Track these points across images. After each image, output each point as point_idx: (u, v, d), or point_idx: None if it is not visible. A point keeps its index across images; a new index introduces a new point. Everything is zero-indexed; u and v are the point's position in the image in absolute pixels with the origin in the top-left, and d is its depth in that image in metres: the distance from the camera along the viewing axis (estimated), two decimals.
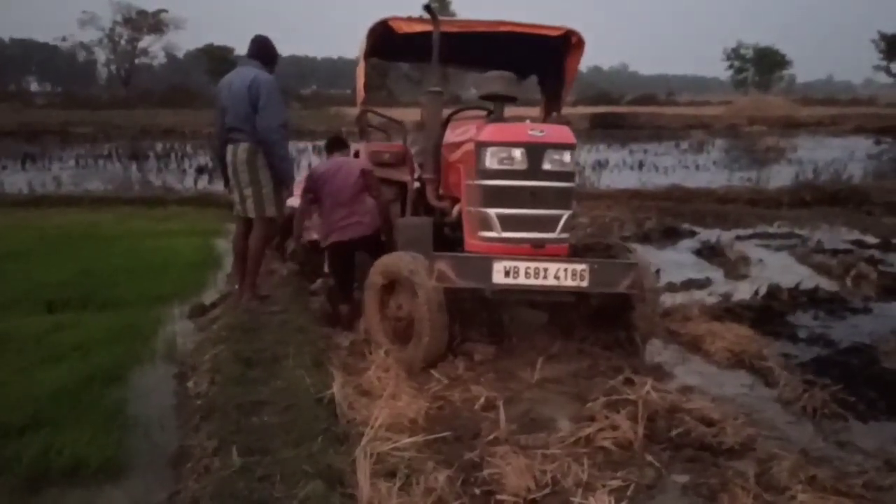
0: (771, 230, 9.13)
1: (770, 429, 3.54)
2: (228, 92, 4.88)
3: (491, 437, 3.33)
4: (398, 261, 4.34)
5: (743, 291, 5.95)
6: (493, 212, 4.28)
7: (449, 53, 5.02)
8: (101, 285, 5.88)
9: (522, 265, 4.04)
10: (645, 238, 8.42)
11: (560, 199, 4.33)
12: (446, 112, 5.08)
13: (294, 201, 5.92)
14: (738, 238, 8.46)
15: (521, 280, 4.04)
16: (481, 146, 4.30)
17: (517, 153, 4.23)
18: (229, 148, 4.91)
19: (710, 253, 7.57)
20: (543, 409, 3.77)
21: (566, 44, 5.56)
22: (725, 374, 4.38)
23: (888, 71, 65.61)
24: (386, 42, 5.54)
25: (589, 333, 4.72)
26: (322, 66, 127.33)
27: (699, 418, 3.51)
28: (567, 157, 4.31)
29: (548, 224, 4.33)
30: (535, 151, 4.24)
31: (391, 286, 4.45)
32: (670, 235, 8.72)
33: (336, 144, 5.62)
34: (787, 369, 4.23)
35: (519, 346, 4.62)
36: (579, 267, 4.10)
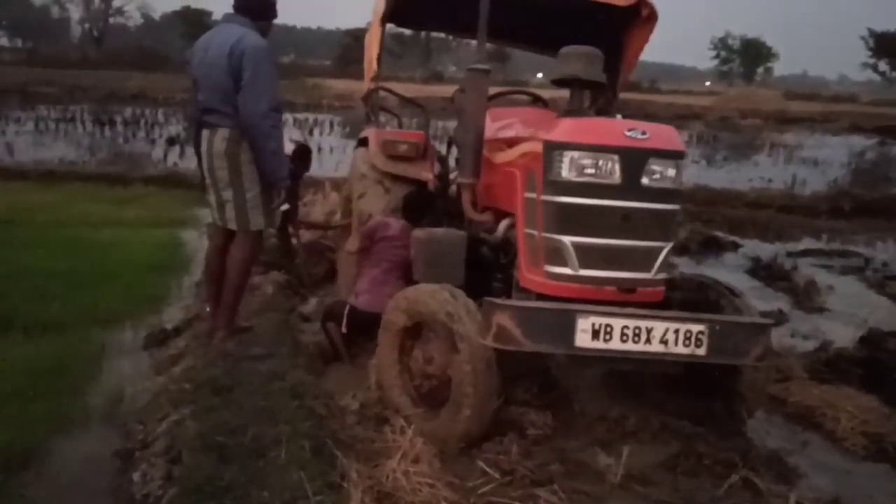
0: (823, 246, 8.05)
1: None
2: (203, 58, 3.53)
3: None
4: (430, 297, 3.15)
5: (833, 333, 4.86)
6: (568, 240, 3.07)
7: (491, 23, 3.76)
8: (28, 296, 4.57)
9: (618, 323, 2.82)
10: (683, 249, 7.24)
11: (661, 226, 3.14)
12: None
13: None
14: (790, 254, 7.35)
15: (615, 345, 2.83)
16: (555, 148, 3.08)
17: (609, 161, 3.01)
18: (204, 134, 3.60)
19: (766, 274, 6.45)
20: None
21: (634, 16, 4.39)
22: (867, 471, 3.26)
23: (875, 68, 65.22)
24: (411, 4, 4.32)
25: (668, 397, 3.58)
26: (300, 37, 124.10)
27: None
28: (673, 169, 3.12)
29: (642, 260, 3.13)
30: (634, 160, 3.02)
31: (417, 329, 3.28)
32: (711, 247, 7.58)
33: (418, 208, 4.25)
34: None
35: (581, 414, 3.47)
36: (695, 328, 2.88)
